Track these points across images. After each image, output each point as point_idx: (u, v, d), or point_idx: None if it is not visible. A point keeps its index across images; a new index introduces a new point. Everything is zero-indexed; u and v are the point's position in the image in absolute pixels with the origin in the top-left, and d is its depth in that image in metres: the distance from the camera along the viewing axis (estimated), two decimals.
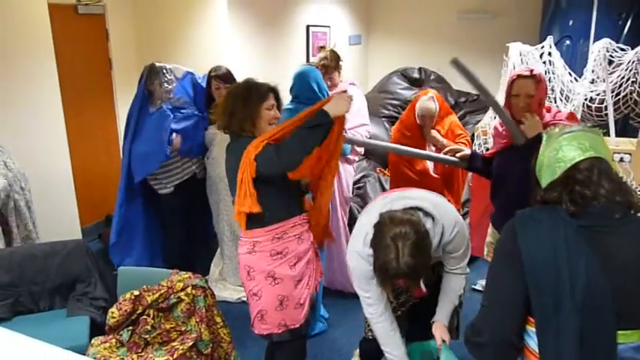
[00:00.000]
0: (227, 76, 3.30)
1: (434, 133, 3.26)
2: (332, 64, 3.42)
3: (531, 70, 2.39)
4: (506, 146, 2.48)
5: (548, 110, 2.46)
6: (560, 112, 2.57)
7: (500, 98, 4.44)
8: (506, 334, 1.42)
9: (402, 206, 1.90)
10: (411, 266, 1.70)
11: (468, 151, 2.68)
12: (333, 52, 3.49)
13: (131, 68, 4.72)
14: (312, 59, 5.57)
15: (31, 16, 3.66)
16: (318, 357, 2.97)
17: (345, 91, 2.22)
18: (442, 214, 1.97)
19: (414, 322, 2.37)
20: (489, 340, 1.43)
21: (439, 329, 2.11)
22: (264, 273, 2.15)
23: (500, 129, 2.57)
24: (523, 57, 4.21)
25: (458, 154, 2.66)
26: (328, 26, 6.01)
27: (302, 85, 3.04)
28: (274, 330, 2.19)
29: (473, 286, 3.83)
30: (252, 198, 2.08)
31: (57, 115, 3.92)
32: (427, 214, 1.89)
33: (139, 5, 4.85)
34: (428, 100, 3.28)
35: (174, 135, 3.31)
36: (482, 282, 3.80)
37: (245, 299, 3.60)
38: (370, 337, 2.28)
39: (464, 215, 3.91)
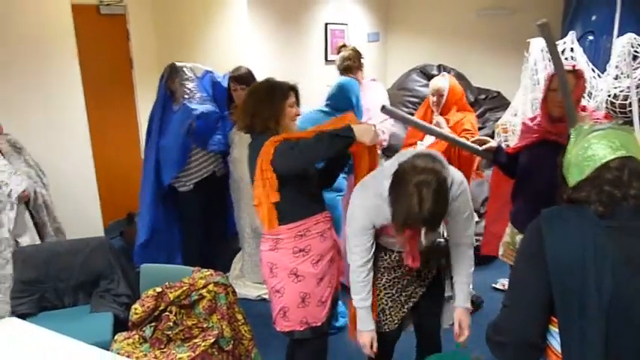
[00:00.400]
0: (243, 77, 3.31)
1: (440, 119, 3.15)
2: (355, 64, 3.44)
3: (573, 66, 2.35)
4: (536, 142, 2.44)
5: (583, 109, 2.42)
6: (595, 111, 2.52)
7: (521, 94, 4.44)
8: (529, 334, 1.40)
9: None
10: (432, 213, 1.72)
11: (494, 144, 2.65)
12: (355, 51, 3.49)
13: (151, 68, 4.77)
14: (330, 57, 5.58)
15: (55, 16, 3.72)
16: (336, 354, 2.97)
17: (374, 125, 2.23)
18: (451, 168, 1.99)
19: (419, 318, 2.37)
20: (511, 339, 1.42)
21: (460, 314, 2.13)
22: (287, 270, 2.16)
23: (531, 124, 2.53)
24: (544, 53, 4.16)
25: (483, 146, 2.63)
26: (346, 24, 6.00)
27: (341, 96, 3.18)
28: (296, 327, 2.20)
29: (493, 285, 3.81)
30: (273, 188, 2.10)
31: (80, 114, 3.98)
32: (439, 162, 1.88)
33: (159, 5, 4.90)
34: (439, 77, 3.27)
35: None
36: (503, 281, 3.78)
37: (265, 297, 3.65)
38: (382, 331, 2.28)
39: (483, 215, 3.88)
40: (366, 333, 2.11)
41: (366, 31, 6.46)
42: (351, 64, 3.42)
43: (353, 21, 6.14)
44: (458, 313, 2.14)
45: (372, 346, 2.11)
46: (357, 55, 3.45)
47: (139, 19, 4.79)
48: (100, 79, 4.49)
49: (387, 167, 1.91)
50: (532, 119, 2.58)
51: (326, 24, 5.64)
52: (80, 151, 4.04)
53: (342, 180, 3.08)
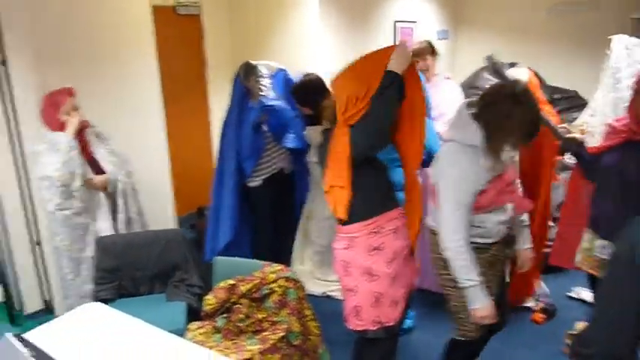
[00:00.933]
0: (294, 93, 3.21)
1: None
2: (425, 47, 3.51)
3: None
4: (622, 142, 2.33)
5: None
6: None
7: (601, 94, 4.22)
8: (618, 348, 1.34)
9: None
10: (537, 112, 1.92)
11: (578, 136, 2.58)
12: (428, 41, 3.61)
13: (225, 66, 4.91)
14: None
15: (136, 17, 3.89)
16: (403, 357, 2.96)
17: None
18: None
19: None
20: (598, 352, 1.36)
21: (526, 254, 2.34)
22: (361, 269, 2.16)
23: (617, 125, 2.41)
24: (629, 50, 3.94)
25: (568, 135, 2.57)
26: (415, 21, 5.93)
27: None
28: (369, 326, 2.20)
29: (567, 294, 3.65)
30: (345, 174, 2.09)
31: (157, 112, 4.15)
32: None
33: (234, 5, 5.02)
34: (514, 69, 3.25)
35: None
36: (578, 289, 3.61)
37: (330, 294, 3.68)
38: (464, 339, 2.24)
39: (557, 220, 3.71)
40: (486, 307, 2.07)
41: (435, 29, 6.36)
42: (422, 47, 3.47)
43: (422, 18, 6.06)
44: (524, 254, 2.34)
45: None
46: (429, 43, 3.50)
47: (214, 19, 4.94)
48: (175, 79, 4.65)
49: (459, 117, 2.06)
50: (618, 120, 2.47)
51: (395, 22, 5.60)
52: (157, 149, 4.20)
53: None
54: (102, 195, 3.25)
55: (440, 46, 6.35)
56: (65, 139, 3.05)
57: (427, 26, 6.18)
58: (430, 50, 3.57)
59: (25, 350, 1.81)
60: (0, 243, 3.41)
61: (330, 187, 2.16)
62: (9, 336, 1.89)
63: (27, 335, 1.99)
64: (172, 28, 4.57)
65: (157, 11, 4.16)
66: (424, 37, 5.06)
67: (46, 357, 1.79)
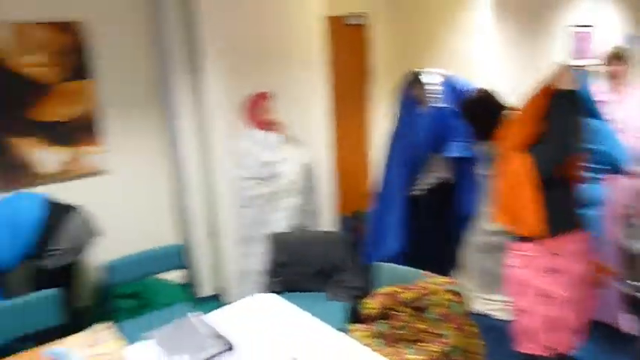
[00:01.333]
0: (464, 105, 3.13)
1: None
2: (612, 52, 3.35)
3: None
4: None
5: None
6: None
7: None
8: None
9: None
10: None
11: None
12: (618, 47, 3.50)
13: (389, 75, 4.95)
14: (575, 62, 5.14)
15: (311, 27, 4.07)
16: None
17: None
18: None
19: None
20: None
21: None
22: (536, 290, 2.04)
23: None
24: None
25: None
26: (592, 25, 5.46)
27: None
28: (540, 351, 2.07)
29: None
30: (532, 200, 1.99)
31: (324, 118, 4.30)
32: None
33: (401, 14, 5.05)
34: None
35: None
36: None
37: (489, 313, 3.50)
38: None
39: None
40: None
41: (621, 34, 5.80)
42: (609, 53, 3.34)
43: (604, 22, 5.56)
44: None
45: None
46: (619, 50, 3.35)
47: (380, 28, 5.02)
48: (341, 86, 4.78)
49: None
50: None
51: (571, 26, 5.21)
52: (323, 154, 4.34)
53: (596, 187, 2.72)
54: (286, 191, 3.57)
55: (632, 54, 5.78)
56: (263, 136, 3.52)
57: (610, 31, 5.64)
58: (617, 56, 3.28)
59: (204, 330, 2.01)
60: (184, 232, 3.83)
61: (516, 217, 2.07)
62: (191, 316, 2.12)
63: (206, 317, 2.20)
64: (341, 37, 4.73)
65: (330, 21, 4.33)
66: (609, 43, 4.64)
67: (221, 338, 1.97)
